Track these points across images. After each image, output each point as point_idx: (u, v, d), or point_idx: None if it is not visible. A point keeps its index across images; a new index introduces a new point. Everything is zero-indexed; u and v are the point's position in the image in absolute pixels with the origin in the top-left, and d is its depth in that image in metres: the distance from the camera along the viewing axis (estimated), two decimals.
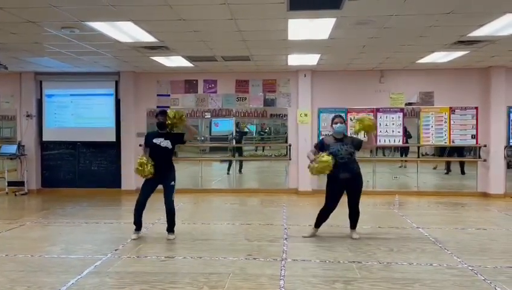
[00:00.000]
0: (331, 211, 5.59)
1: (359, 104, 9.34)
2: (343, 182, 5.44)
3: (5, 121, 10.12)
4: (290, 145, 9.56)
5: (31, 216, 7.23)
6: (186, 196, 9.11)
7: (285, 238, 5.61)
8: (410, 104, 9.33)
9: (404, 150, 9.79)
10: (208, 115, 9.80)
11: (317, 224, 5.72)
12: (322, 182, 9.41)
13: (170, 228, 5.73)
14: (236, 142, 9.97)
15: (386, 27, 5.67)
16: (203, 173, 9.96)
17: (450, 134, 9.25)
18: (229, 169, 10.13)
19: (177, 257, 4.81)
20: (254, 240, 5.55)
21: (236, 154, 10.14)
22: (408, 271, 4.37)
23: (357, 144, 5.55)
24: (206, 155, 10.27)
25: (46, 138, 9.87)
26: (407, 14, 5.11)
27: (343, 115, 5.77)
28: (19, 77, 9.62)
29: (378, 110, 9.33)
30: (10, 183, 9.43)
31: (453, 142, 9.26)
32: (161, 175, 5.59)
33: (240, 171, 10.18)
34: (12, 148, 9.45)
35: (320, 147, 5.61)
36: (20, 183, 9.49)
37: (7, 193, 9.32)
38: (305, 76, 9.33)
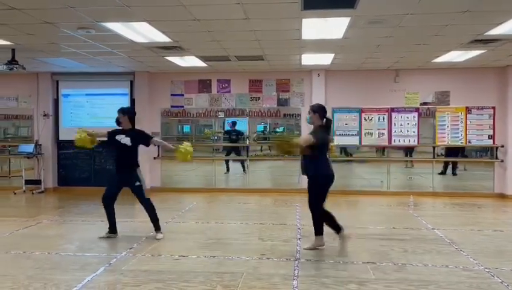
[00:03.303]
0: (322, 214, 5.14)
1: (373, 104, 9.27)
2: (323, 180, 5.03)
3: (22, 121, 10.32)
4: None
5: (47, 214, 7.35)
6: (199, 195, 9.16)
7: (299, 239, 5.60)
8: (425, 103, 9.21)
9: (409, 150, 9.66)
10: (221, 115, 9.84)
11: (336, 229, 5.10)
12: (337, 182, 9.42)
13: (156, 227, 5.68)
14: (232, 142, 10.04)
15: (400, 26, 5.61)
16: (216, 173, 10.00)
17: (466, 134, 9.11)
18: (227, 169, 10.33)
19: (190, 256, 4.84)
20: (267, 239, 5.55)
21: (233, 154, 10.26)
22: (423, 273, 4.32)
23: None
24: (219, 155, 10.31)
25: (62, 137, 10.01)
26: (422, 13, 5.05)
27: (316, 105, 5.25)
28: (36, 77, 9.78)
29: (392, 109, 9.24)
30: (27, 182, 9.60)
31: (469, 142, 9.12)
32: (123, 174, 5.56)
33: (244, 170, 10.22)
34: (29, 148, 9.61)
35: None
36: (37, 182, 9.65)
37: (24, 191, 9.49)
38: (318, 75, 9.30)
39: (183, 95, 9.84)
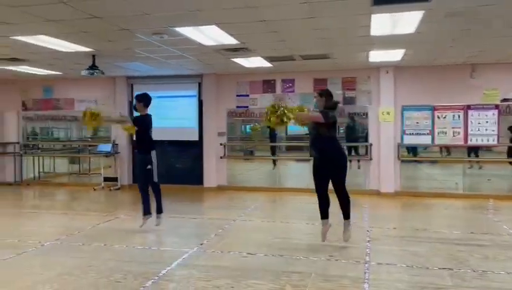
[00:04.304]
0: (321, 198, 5.09)
1: (447, 101, 8.76)
2: (316, 161, 5.00)
3: None
4: (370, 145, 9.25)
5: (123, 210, 7.83)
6: (263, 194, 9.25)
7: (368, 241, 5.45)
8: (506, 100, 8.54)
9: (473, 150, 9.01)
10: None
11: (322, 215, 5.12)
12: (407, 183, 9.08)
13: (158, 210, 6.01)
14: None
15: (478, 18, 5.26)
16: (280, 172, 10.03)
17: None
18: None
19: (258, 254, 4.90)
20: (335, 241, 5.45)
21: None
22: (507, 281, 4.02)
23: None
24: (282, 154, 10.32)
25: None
26: (502, 4, 4.69)
27: (325, 89, 5.29)
28: (113, 81, 10.45)
29: (469, 107, 8.66)
30: (105, 179, 10.29)
31: None
32: (140, 156, 6.05)
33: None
34: (107, 147, 10.31)
35: None
36: (114, 179, 10.31)
37: (103, 187, 10.18)
38: (387, 72, 8.98)
39: (248, 95, 9.98)
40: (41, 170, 11.42)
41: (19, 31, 5.76)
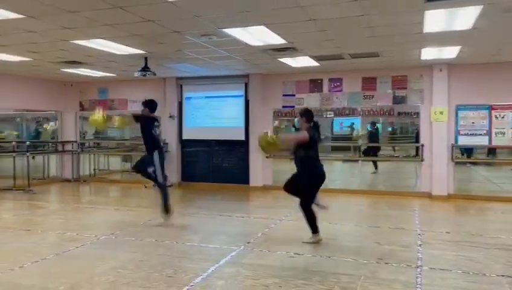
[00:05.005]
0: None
1: (506, 100, 8.28)
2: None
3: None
4: (422, 146, 8.93)
5: (174, 207, 8.03)
6: None
7: (420, 245, 5.26)
8: None
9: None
10: (330, 114, 9.73)
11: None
12: (461, 185, 8.69)
13: (162, 208, 6.32)
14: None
15: None
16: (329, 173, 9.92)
17: None
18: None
19: (306, 254, 4.88)
20: (384, 244, 5.33)
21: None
22: None
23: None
24: (327, 155, 10.19)
25: (185, 136, 10.88)
26: None
27: (304, 108, 5.70)
28: (164, 82, 10.78)
29: None
30: None
31: None
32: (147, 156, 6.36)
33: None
34: None
35: None
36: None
37: (154, 185, 10.49)
38: (440, 70, 8.63)
39: (294, 95, 9.95)
40: (96, 167, 12.00)
41: (78, 35, 6.09)
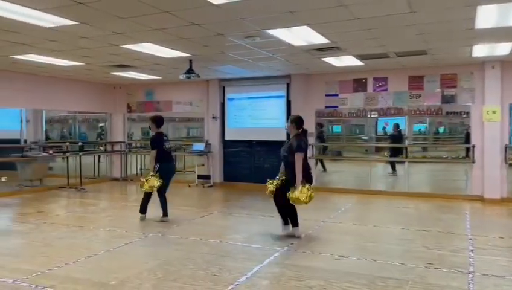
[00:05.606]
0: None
1: None
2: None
3: (195, 123, 11.72)
4: (473, 146, 8.54)
5: (216, 206, 8.19)
6: (353, 196, 9.02)
7: (471, 250, 5.04)
8: None
9: None
10: (374, 114, 9.52)
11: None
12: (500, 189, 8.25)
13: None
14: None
15: None
16: (371, 174, 9.72)
17: None
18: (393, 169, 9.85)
19: (351, 257, 4.80)
20: (433, 248, 5.15)
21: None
22: None
23: (291, 149, 5.47)
24: (371, 155, 9.98)
25: (227, 137, 11.03)
26: None
27: (296, 116, 5.79)
28: (207, 84, 10.97)
29: None
30: (199, 177, 10.85)
31: None
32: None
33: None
34: (201, 146, 10.87)
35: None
36: (207, 177, 10.83)
37: (197, 185, 10.74)
38: (493, 68, 8.22)
39: (337, 95, 9.82)
40: (143, 167, 12.40)
41: (127, 40, 6.33)
